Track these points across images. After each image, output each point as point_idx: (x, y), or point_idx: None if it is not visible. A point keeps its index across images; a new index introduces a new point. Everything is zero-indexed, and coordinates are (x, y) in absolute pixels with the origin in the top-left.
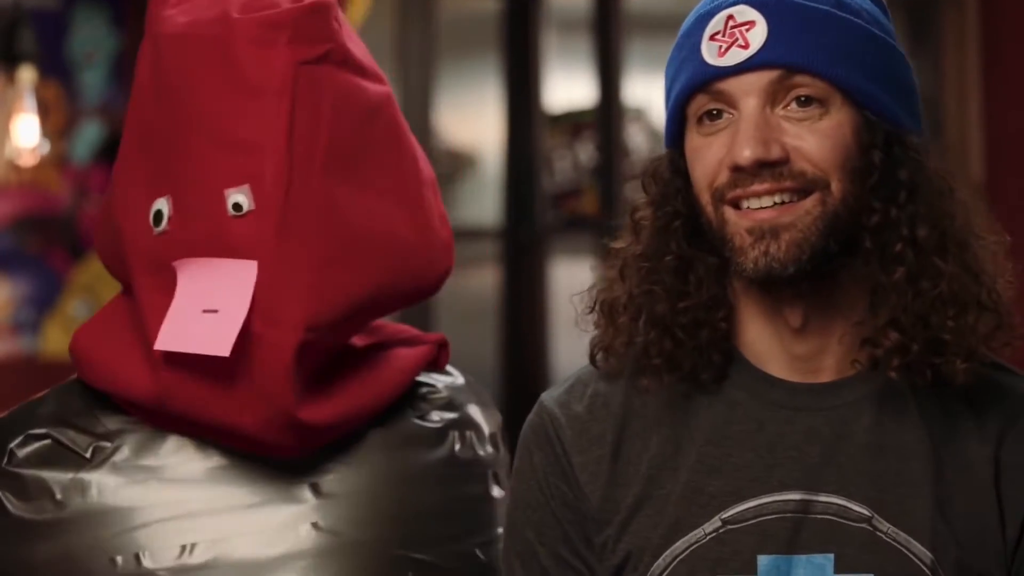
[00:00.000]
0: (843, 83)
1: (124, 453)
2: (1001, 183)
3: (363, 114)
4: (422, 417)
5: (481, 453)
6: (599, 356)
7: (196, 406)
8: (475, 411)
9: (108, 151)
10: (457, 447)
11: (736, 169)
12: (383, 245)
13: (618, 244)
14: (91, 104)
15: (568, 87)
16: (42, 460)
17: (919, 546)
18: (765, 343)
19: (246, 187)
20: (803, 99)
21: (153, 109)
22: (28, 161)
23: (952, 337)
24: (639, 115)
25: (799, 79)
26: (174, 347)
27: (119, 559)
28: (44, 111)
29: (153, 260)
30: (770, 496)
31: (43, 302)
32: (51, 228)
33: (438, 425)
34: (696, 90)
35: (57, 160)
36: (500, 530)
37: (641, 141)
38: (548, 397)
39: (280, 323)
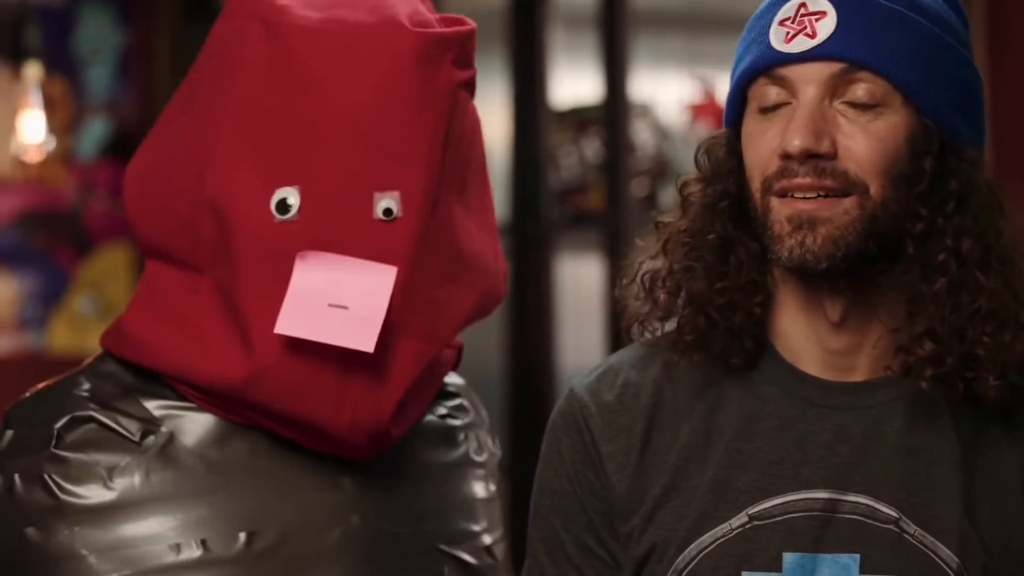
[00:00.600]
0: (904, 85)
1: (172, 438)
2: (1009, 174)
3: (474, 137)
4: (442, 416)
5: (486, 455)
6: (635, 328)
7: (287, 396)
8: (482, 413)
9: (114, 147)
10: (472, 447)
11: (785, 156)
12: (479, 267)
13: (664, 219)
14: (97, 100)
15: (574, 83)
16: (90, 443)
17: (946, 550)
18: (800, 337)
19: (396, 194)
20: (864, 92)
21: (272, 94)
22: (34, 157)
23: (986, 353)
24: (645, 111)
25: (861, 75)
26: (300, 333)
27: (182, 546)
28: (50, 107)
29: (270, 248)
30: (798, 494)
31: (49, 298)
32: (57, 224)
33: (457, 424)
34: (759, 72)
35: (63, 156)
36: (501, 530)
37: (647, 137)
38: (579, 384)
39: (411, 335)
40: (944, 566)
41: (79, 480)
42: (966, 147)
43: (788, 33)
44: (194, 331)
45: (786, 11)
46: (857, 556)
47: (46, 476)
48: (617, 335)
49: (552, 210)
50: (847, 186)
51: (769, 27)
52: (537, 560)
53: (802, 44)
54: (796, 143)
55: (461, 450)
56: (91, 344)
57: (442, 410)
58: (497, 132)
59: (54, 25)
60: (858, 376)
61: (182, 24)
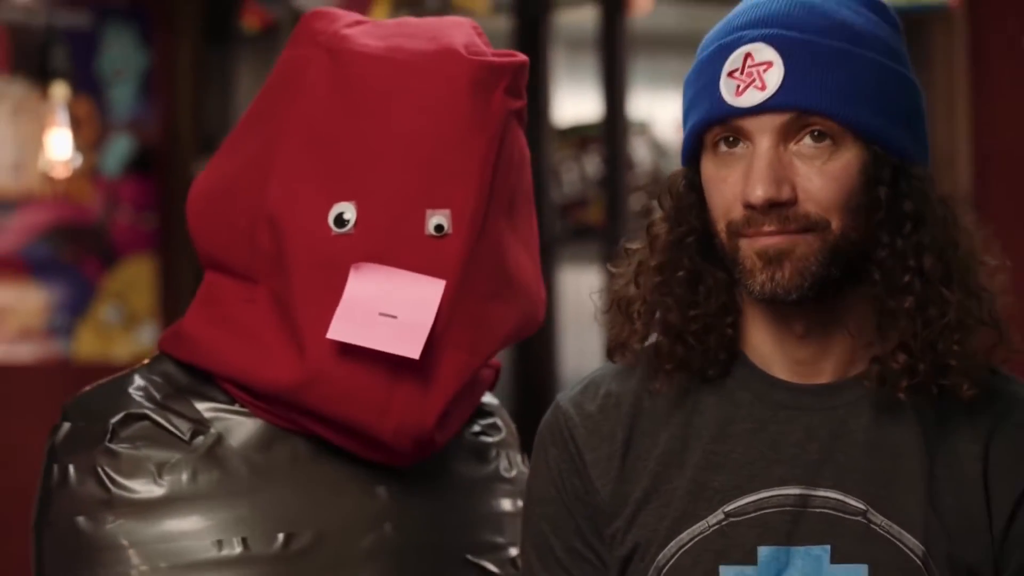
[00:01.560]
0: (854, 123)
1: (220, 440)
2: (989, 196)
3: (523, 164)
4: (476, 433)
5: (515, 472)
6: (616, 351)
7: (337, 401)
8: (511, 434)
9: (137, 163)
10: (502, 465)
11: (748, 206)
12: (523, 290)
13: (633, 246)
14: (121, 119)
15: (575, 102)
16: (143, 440)
17: (911, 539)
18: (769, 347)
19: (447, 211)
20: (816, 134)
21: (332, 116)
22: (61, 173)
23: (958, 361)
24: (643, 129)
25: (812, 119)
26: (350, 339)
27: (223, 543)
28: (76, 125)
29: (325, 258)
30: (771, 491)
31: (76, 308)
32: (83, 237)
33: (490, 441)
34: (714, 123)
35: (89, 172)
36: None
37: (645, 154)
38: (563, 398)
39: (455, 347)
40: (910, 554)
41: (130, 474)
42: (916, 166)
43: (739, 86)
44: (250, 337)
45: (733, 62)
46: (828, 547)
47: (99, 469)
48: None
49: (554, 223)
50: (809, 225)
51: (719, 77)
52: (529, 565)
53: (753, 97)
54: (759, 194)
55: (492, 467)
56: (115, 351)
57: (476, 427)
58: None
59: (80, 47)
60: (825, 379)
61: (202, 46)
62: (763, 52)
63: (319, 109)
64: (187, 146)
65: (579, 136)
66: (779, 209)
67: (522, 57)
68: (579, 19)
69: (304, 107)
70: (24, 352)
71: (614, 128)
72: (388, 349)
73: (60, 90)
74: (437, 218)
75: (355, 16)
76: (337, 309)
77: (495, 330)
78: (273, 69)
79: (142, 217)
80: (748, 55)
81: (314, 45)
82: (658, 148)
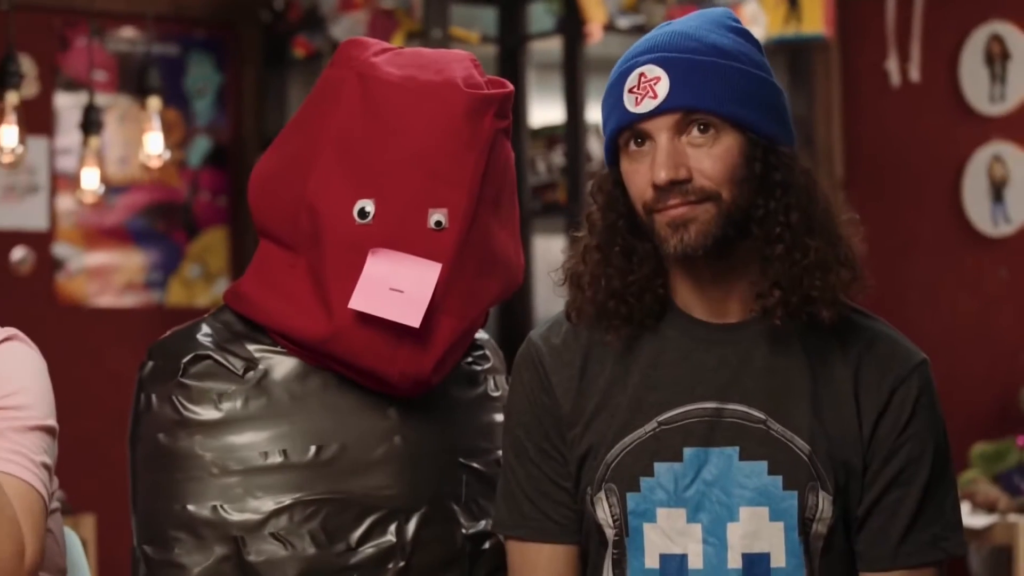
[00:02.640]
0: (728, 115)
1: (266, 374)
2: (857, 180)
3: (508, 169)
4: (468, 363)
5: (500, 392)
6: (572, 315)
7: (357, 353)
8: (498, 362)
9: (213, 158)
10: (489, 386)
11: (655, 187)
12: (505, 266)
13: (578, 234)
14: (201, 125)
15: (545, 110)
16: (207, 374)
17: (800, 441)
18: (688, 295)
19: (445, 210)
20: (701, 127)
21: (360, 129)
22: (156, 165)
23: (819, 293)
24: (597, 130)
25: (696, 116)
26: (367, 309)
27: (268, 454)
28: (167, 129)
29: (350, 243)
30: (693, 404)
31: (167, 267)
32: (173, 213)
33: (479, 369)
34: (623, 129)
35: (177, 164)
36: None
37: (598, 148)
38: (534, 334)
39: (448, 314)
40: (799, 452)
41: (197, 401)
42: (782, 146)
43: (637, 98)
44: (291, 297)
45: (631, 81)
46: (737, 448)
47: (173, 398)
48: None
49: (529, 202)
50: (705, 196)
51: (622, 94)
52: (508, 463)
53: (648, 105)
54: (662, 176)
55: (481, 388)
56: (197, 300)
57: (470, 358)
58: None
59: (170, 70)
60: (732, 319)
61: (262, 69)
62: (653, 70)
63: (350, 122)
64: (251, 145)
65: (548, 135)
66: (679, 186)
67: (509, 88)
68: (547, 47)
69: (339, 118)
70: (128, 301)
71: (574, 129)
72: (396, 319)
73: (155, 103)
74: (437, 215)
75: (382, 44)
76: (357, 285)
77: (480, 299)
78: (317, 83)
79: (217, 199)
80: (642, 74)
81: (349, 68)
82: None
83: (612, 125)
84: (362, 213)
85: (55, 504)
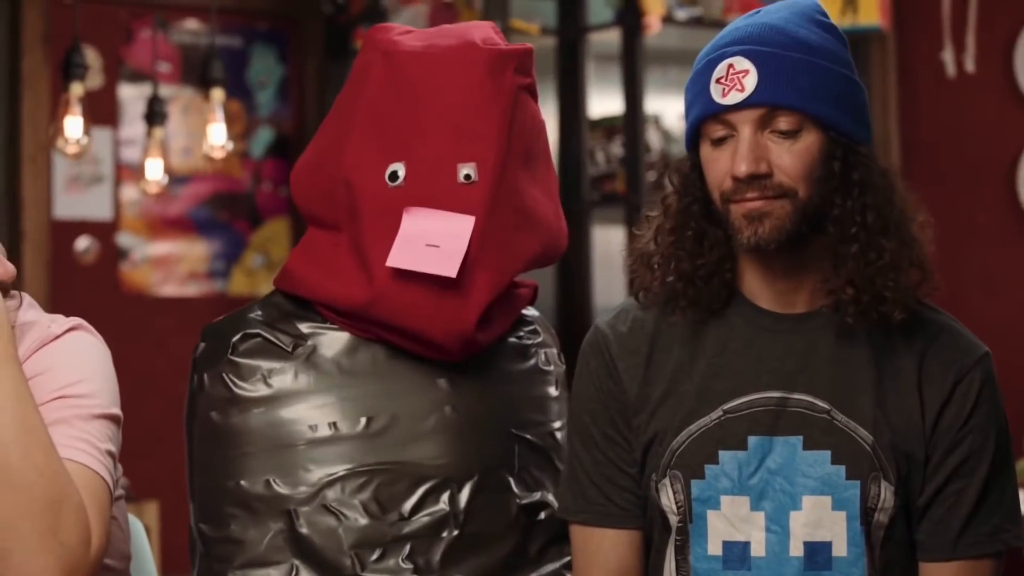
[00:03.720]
0: (812, 113)
1: (315, 350)
2: (912, 172)
3: (537, 130)
4: (519, 338)
5: (552, 367)
6: (640, 295)
7: (400, 313)
8: (549, 336)
9: (276, 149)
10: (540, 360)
11: (734, 178)
12: (543, 224)
13: (651, 214)
14: (264, 116)
15: (604, 101)
16: (256, 351)
17: (864, 431)
18: (757, 285)
19: (474, 164)
20: (784, 123)
21: (388, 100)
22: (219, 156)
23: (892, 294)
24: (655, 121)
25: (780, 112)
26: (404, 265)
27: (317, 426)
28: (230, 120)
29: (384, 206)
30: (758, 393)
31: (230, 256)
32: (235, 203)
33: (529, 343)
34: (707, 118)
35: (240, 155)
36: (563, 421)
37: (656, 140)
38: (601, 321)
39: (486, 267)
40: (862, 442)
41: (246, 378)
42: (861, 146)
43: (724, 89)
44: (334, 270)
45: (719, 71)
46: (801, 437)
47: (224, 375)
48: (633, 283)
49: (588, 192)
50: (782, 192)
51: (710, 83)
52: (573, 448)
53: (735, 97)
54: (743, 169)
55: (532, 362)
56: (260, 289)
57: (520, 333)
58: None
59: (233, 62)
60: (799, 309)
61: (324, 61)
62: (741, 63)
63: (378, 95)
64: (312, 136)
65: (607, 126)
66: (758, 180)
67: (527, 46)
68: (606, 38)
69: (368, 96)
70: (191, 290)
71: (633, 120)
72: (432, 271)
73: (218, 94)
74: (466, 169)
75: (406, 27)
76: (395, 243)
77: (519, 254)
78: (350, 73)
79: (279, 189)
80: (731, 65)
81: (375, 50)
82: (666, 135)
83: (696, 112)
84: (393, 176)
85: (119, 492)
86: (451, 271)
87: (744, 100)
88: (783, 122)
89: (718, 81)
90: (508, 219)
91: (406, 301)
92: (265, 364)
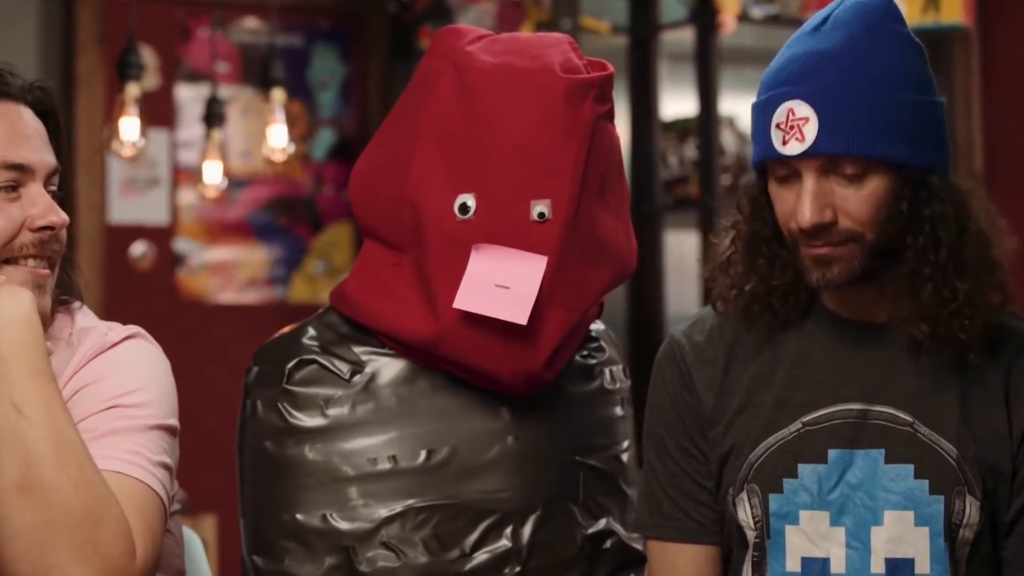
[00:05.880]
0: (879, 156)
1: (373, 378)
2: (997, 175)
3: (612, 153)
4: (583, 356)
5: (618, 385)
6: (719, 304)
7: (466, 353)
8: (614, 352)
9: (338, 152)
10: (606, 380)
11: (801, 229)
12: (614, 253)
13: (729, 224)
14: (325, 117)
15: (677, 102)
16: (312, 380)
17: (948, 444)
18: (836, 295)
19: (548, 201)
20: (849, 171)
21: (457, 121)
22: (279, 158)
23: (967, 335)
24: (730, 122)
25: (844, 159)
26: (473, 309)
27: (377, 460)
28: (291, 122)
29: (453, 239)
30: (838, 406)
31: (291, 263)
32: (297, 208)
33: (594, 362)
34: (769, 160)
35: (301, 158)
36: (629, 441)
37: (731, 141)
38: (676, 331)
39: (557, 306)
40: (947, 456)
41: (303, 408)
42: (934, 176)
43: (784, 136)
44: (396, 298)
45: (779, 115)
46: (883, 450)
47: (279, 405)
48: (708, 291)
49: (661, 196)
50: (849, 239)
51: (769, 127)
52: (649, 461)
53: (795, 148)
54: (807, 219)
55: (597, 382)
56: (321, 296)
57: (584, 351)
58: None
59: (294, 61)
60: (881, 319)
61: (388, 61)
62: (801, 108)
63: (447, 113)
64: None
65: (680, 128)
66: (824, 229)
67: (609, 70)
68: (679, 37)
69: (436, 111)
70: (250, 296)
71: (707, 122)
72: (502, 316)
73: (278, 94)
74: (540, 207)
75: (478, 31)
76: (461, 283)
77: (590, 289)
78: (414, 74)
79: (341, 193)
80: (790, 111)
81: (444, 58)
82: (741, 137)
83: (758, 155)
84: (463, 208)
85: (175, 505)
86: (522, 318)
87: (805, 151)
88: (848, 168)
89: (778, 127)
90: (581, 256)
91: (474, 343)
92: (322, 393)
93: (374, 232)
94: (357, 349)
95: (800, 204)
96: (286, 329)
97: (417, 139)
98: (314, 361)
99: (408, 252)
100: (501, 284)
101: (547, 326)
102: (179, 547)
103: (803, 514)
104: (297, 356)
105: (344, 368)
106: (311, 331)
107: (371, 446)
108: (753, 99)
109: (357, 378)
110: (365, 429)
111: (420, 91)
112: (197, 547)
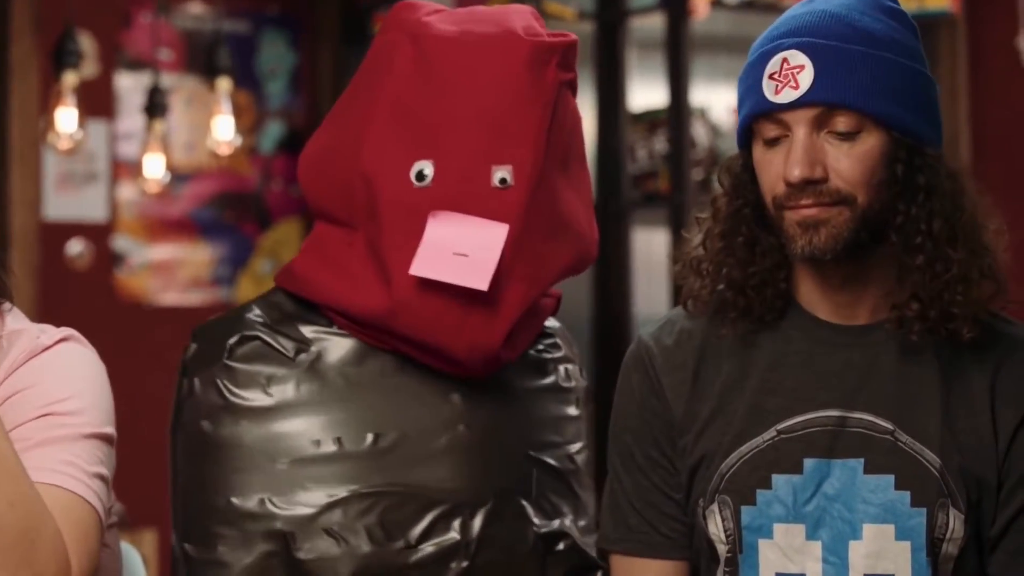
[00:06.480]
0: (874, 113)
1: (320, 357)
2: (985, 168)
3: (575, 129)
4: (538, 351)
5: (574, 383)
6: (689, 302)
7: (421, 326)
8: (570, 350)
9: (287, 144)
10: (560, 376)
11: (788, 184)
12: (576, 231)
13: (701, 215)
14: (274, 108)
15: (646, 92)
16: (255, 356)
17: (930, 454)
18: (814, 295)
19: (510, 167)
20: (843, 123)
21: (415, 90)
22: (225, 151)
23: (960, 309)
24: (702, 114)
25: (838, 111)
26: (430, 275)
27: (321, 442)
28: (237, 113)
29: (408, 208)
30: (815, 412)
31: (237, 262)
32: (243, 203)
33: (549, 357)
34: (760, 116)
35: (247, 151)
36: (583, 443)
37: (703, 134)
38: (645, 333)
39: (518, 279)
40: (929, 466)
41: (244, 386)
42: (928, 146)
43: (777, 86)
44: (347, 274)
45: (772, 65)
46: (862, 460)
47: (218, 381)
48: (678, 291)
49: (629, 191)
50: (839, 199)
51: (762, 78)
52: (615, 470)
53: (789, 96)
54: (796, 174)
55: (551, 378)
56: None
57: (540, 346)
58: (586, 130)
59: (241, 49)
60: (861, 321)
61: (340, 48)
62: (797, 57)
63: (404, 84)
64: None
65: (649, 120)
66: (814, 186)
67: (572, 37)
68: (649, 24)
69: (393, 85)
70: (194, 298)
71: (678, 113)
72: (461, 282)
73: (224, 84)
74: (501, 172)
75: (435, 5)
76: (418, 250)
77: (552, 265)
78: (368, 52)
79: (290, 187)
80: (785, 60)
81: (400, 31)
82: (714, 130)
83: (748, 110)
84: (420, 175)
85: (113, 518)
86: (483, 283)
87: (799, 99)
88: (841, 122)
89: (771, 77)
90: (543, 227)
91: (429, 313)
92: (265, 370)
93: (325, 212)
94: (304, 328)
95: (789, 158)
96: (227, 311)
97: (372, 113)
98: (257, 338)
99: (361, 229)
100: (460, 252)
101: (507, 299)
102: (117, 562)
103: (777, 527)
104: (239, 332)
105: (289, 346)
106: (255, 309)
107: (315, 427)
108: (727, 90)
109: (302, 357)
110: (309, 409)
111: (374, 67)
112: (136, 563)
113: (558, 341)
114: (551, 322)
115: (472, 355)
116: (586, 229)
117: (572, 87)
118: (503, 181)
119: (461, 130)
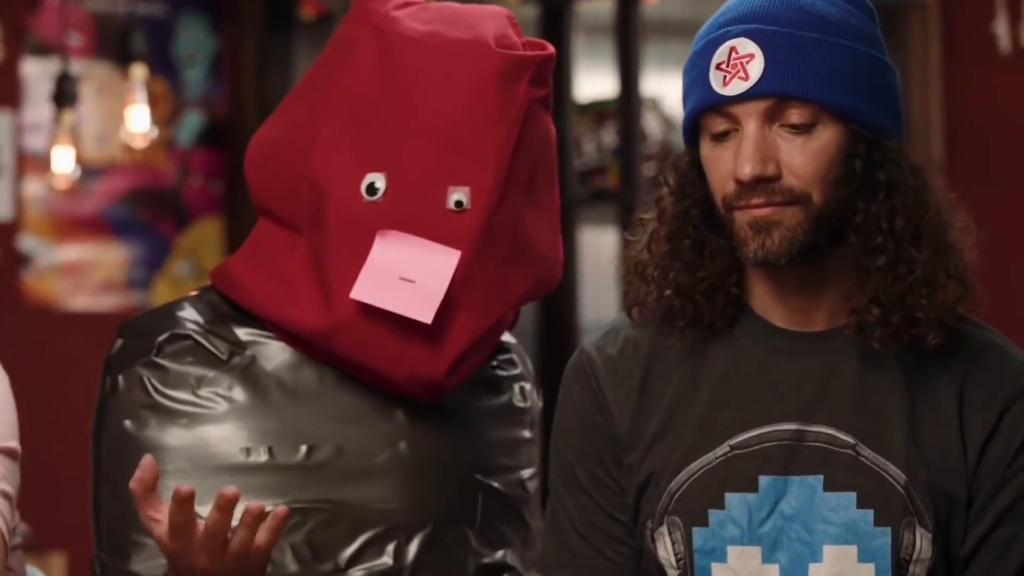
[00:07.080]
0: (829, 105)
1: (254, 361)
2: (959, 160)
3: (546, 147)
4: (493, 367)
5: (529, 404)
6: (634, 310)
7: (359, 349)
8: (525, 368)
9: (207, 136)
10: (515, 396)
11: (739, 182)
12: (537, 258)
13: (646, 216)
14: (192, 97)
15: (594, 81)
16: (185, 356)
17: (895, 469)
18: (768, 300)
19: (467, 189)
20: (796, 116)
21: (374, 92)
22: (140, 144)
23: (925, 313)
24: (654, 105)
25: (791, 104)
26: (371, 300)
27: (251, 451)
28: (153, 102)
29: (356, 222)
30: (771, 426)
31: (152, 263)
32: (159, 200)
33: (504, 375)
34: (707, 109)
35: (164, 143)
36: (535, 469)
37: (655, 127)
38: (587, 342)
39: (467, 310)
40: (893, 482)
41: (172, 386)
42: (889, 139)
43: (725, 77)
44: (286, 283)
45: (720, 55)
46: (821, 477)
47: (144, 379)
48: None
49: (575, 188)
50: (793, 198)
51: (708, 69)
52: (556, 491)
53: (738, 87)
54: (746, 171)
55: (505, 397)
56: None
57: (494, 363)
58: None
59: (157, 33)
60: (818, 327)
61: (265, 33)
62: (746, 46)
63: (362, 86)
64: (251, 121)
65: (597, 111)
66: (766, 184)
67: (549, 50)
68: (597, 7)
69: (349, 83)
70: (105, 303)
71: (628, 104)
72: (404, 312)
73: (139, 71)
74: (458, 194)
75: None
76: (361, 272)
77: (507, 294)
78: (330, 40)
79: (211, 183)
80: (733, 48)
81: (366, 23)
82: (667, 122)
83: (694, 103)
84: (371, 189)
85: (17, 539)
86: (427, 315)
87: (748, 90)
88: (795, 115)
89: (718, 67)
90: (499, 255)
91: (369, 339)
92: (195, 372)
93: (270, 210)
94: (238, 330)
95: (740, 154)
96: (156, 306)
97: (326, 110)
98: (189, 337)
99: (305, 235)
100: (406, 277)
101: (454, 330)
102: None
103: (731, 550)
104: (170, 329)
105: (222, 348)
106: (187, 307)
107: (245, 435)
108: (681, 79)
109: (236, 360)
110: (240, 416)
111: (334, 58)
112: None
113: (514, 358)
114: (507, 336)
115: (413, 385)
116: (549, 252)
117: (546, 103)
118: (459, 204)
119: (419, 144)
